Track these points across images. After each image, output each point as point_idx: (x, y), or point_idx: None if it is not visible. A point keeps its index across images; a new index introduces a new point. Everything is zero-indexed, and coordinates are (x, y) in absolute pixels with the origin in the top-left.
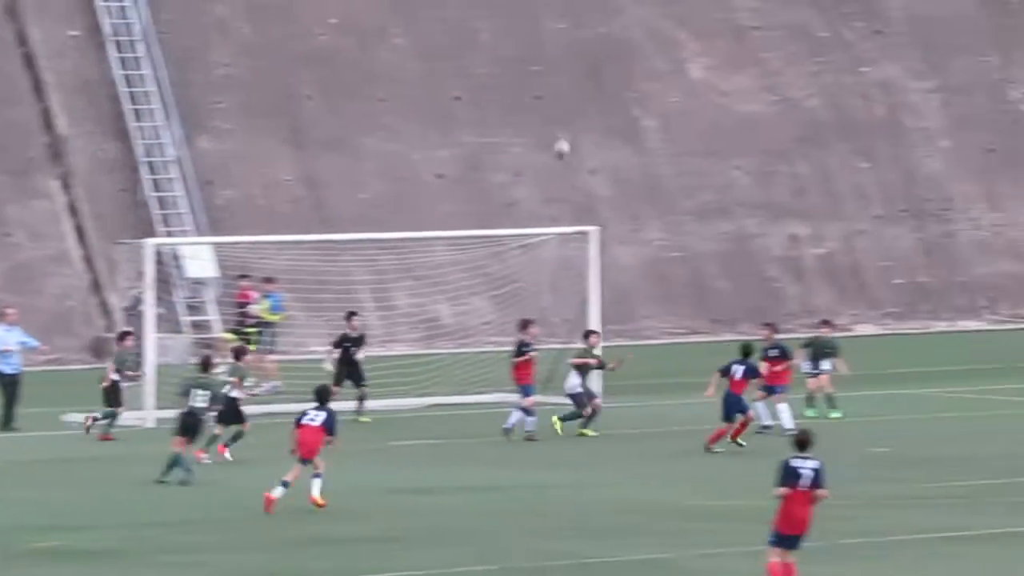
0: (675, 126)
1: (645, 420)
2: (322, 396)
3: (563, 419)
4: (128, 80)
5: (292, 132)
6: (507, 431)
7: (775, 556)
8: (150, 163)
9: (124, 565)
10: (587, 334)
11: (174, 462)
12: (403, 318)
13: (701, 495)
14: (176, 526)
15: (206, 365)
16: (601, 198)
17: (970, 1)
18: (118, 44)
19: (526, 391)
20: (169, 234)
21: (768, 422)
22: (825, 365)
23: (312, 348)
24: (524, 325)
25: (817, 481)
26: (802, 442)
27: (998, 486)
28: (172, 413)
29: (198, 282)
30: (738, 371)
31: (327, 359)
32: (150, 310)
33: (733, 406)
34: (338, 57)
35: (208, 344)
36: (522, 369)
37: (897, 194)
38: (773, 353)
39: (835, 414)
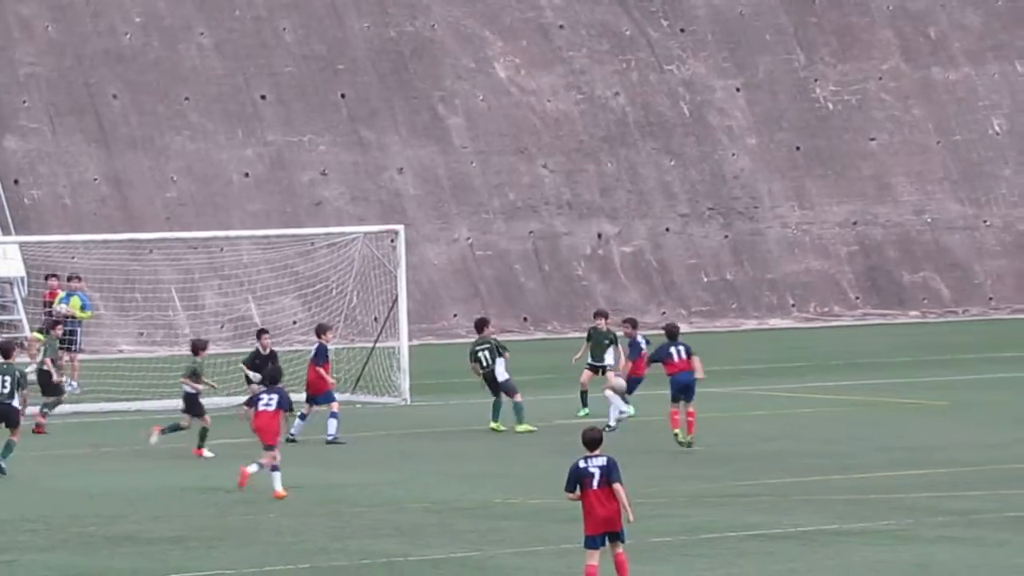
0: (482, 124)
1: (454, 419)
2: (273, 378)
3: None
4: None
5: (98, 131)
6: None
7: (592, 559)
8: None
9: None
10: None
11: None
12: (211, 317)
13: (510, 493)
14: None
15: (6, 352)
16: (409, 196)
17: None
18: None
19: (329, 397)
20: None
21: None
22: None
23: (121, 347)
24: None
25: (607, 476)
26: (590, 441)
27: (806, 483)
28: None
29: (4, 281)
30: (680, 352)
31: (247, 374)
32: None
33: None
34: (143, 56)
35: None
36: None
37: (704, 192)
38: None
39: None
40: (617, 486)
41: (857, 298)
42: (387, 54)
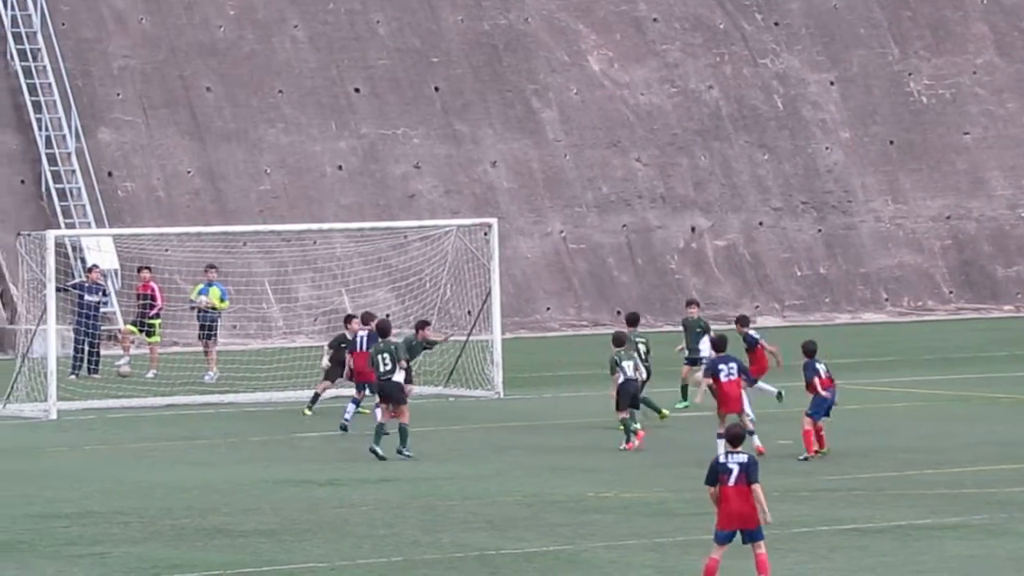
0: (575, 118)
1: (545, 412)
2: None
3: None
4: (27, 72)
5: (191, 124)
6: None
7: (716, 553)
8: (50, 155)
9: (27, 557)
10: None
11: None
12: (304, 310)
13: (602, 487)
14: (78, 517)
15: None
16: (502, 190)
17: None
18: (16, 36)
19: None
20: (70, 226)
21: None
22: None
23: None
24: (347, 320)
25: (745, 474)
26: (733, 437)
27: (899, 478)
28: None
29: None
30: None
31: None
32: (51, 302)
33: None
34: (237, 49)
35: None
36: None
37: (798, 186)
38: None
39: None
40: (756, 487)
41: (951, 292)
42: (480, 47)
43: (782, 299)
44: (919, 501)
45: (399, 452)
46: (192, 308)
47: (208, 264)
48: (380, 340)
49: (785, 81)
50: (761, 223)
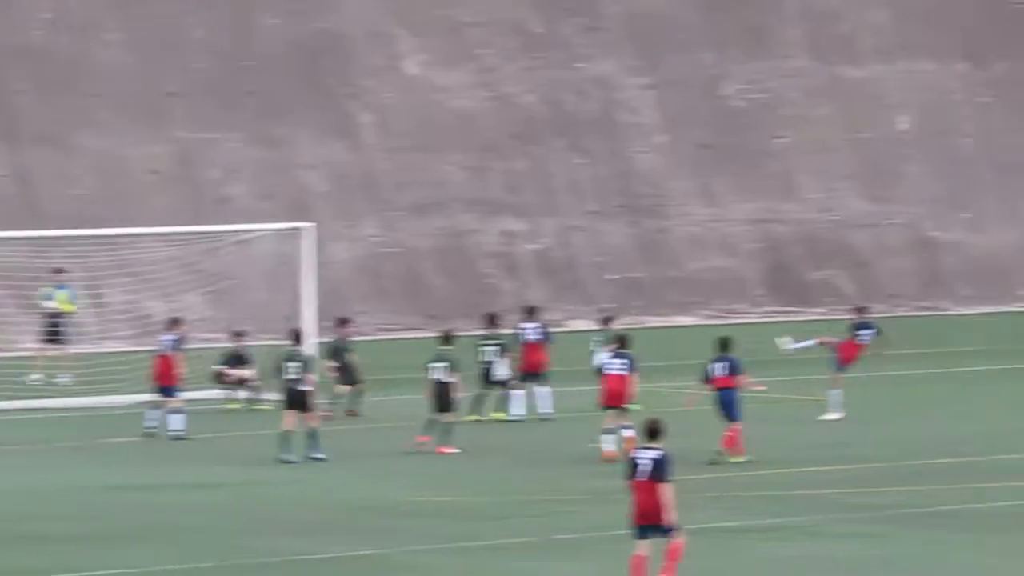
0: (391, 122)
1: (363, 416)
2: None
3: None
4: None
5: (4, 126)
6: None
7: (640, 550)
8: None
9: None
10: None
11: None
12: (117, 315)
13: (413, 491)
14: None
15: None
16: (316, 194)
17: None
18: None
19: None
20: None
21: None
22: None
23: (25, 345)
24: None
25: (655, 471)
26: (649, 431)
27: (714, 480)
28: None
29: None
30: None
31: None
32: None
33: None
34: (51, 52)
35: None
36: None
37: (612, 190)
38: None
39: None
40: (664, 486)
41: (762, 296)
42: (297, 51)
43: (594, 302)
44: (734, 503)
45: (311, 457)
46: (43, 312)
47: (55, 267)
48: (292, 347)
49: (601, 85)
50: (575, 227)
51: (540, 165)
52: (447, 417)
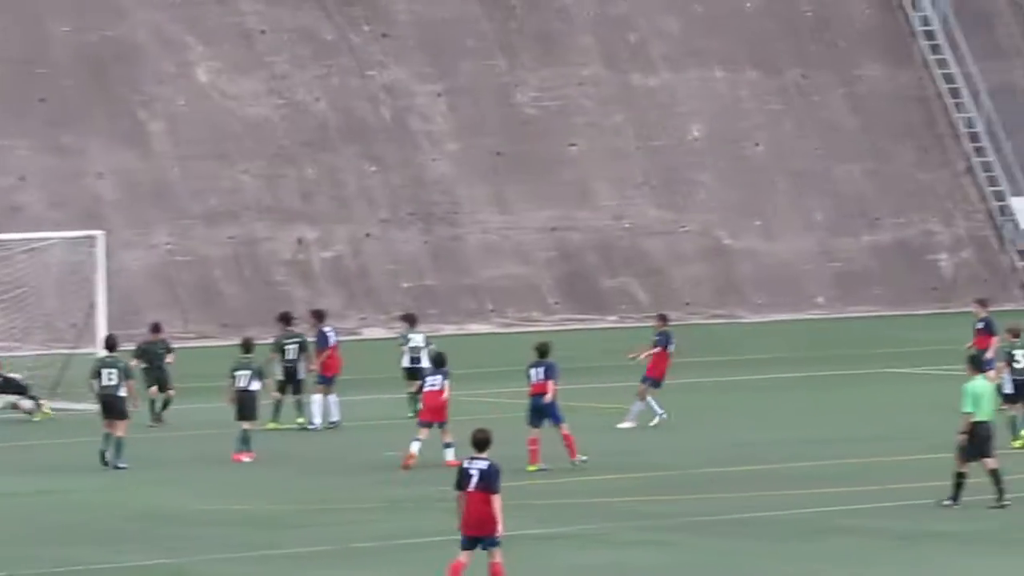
0: (182, 130)
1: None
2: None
3: None
4: None
5: None
6: None
7: (463, 557)
8: None
9: None
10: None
11: None
12: None
13: (211, 499)
14: None
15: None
16: (108, 202)
17: (475, 5)
18: None
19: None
20: None
21: None
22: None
23: None
24: None
25: (483, 481)
26: (478, 442)
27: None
28: None
29: None
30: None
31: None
32: None
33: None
34: None
35: None
36: None
37: (405, 197)
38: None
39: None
40: (495, 497)
41: (556, 303)
42: (87, 58)
43: (388, 310)
44: (527, 511)
45: (115, 466)
46: None
47: None
48: (107, 354)
49: (393, 92)
50: (368, 234)
51: (332, 173)
52: (249, 424)
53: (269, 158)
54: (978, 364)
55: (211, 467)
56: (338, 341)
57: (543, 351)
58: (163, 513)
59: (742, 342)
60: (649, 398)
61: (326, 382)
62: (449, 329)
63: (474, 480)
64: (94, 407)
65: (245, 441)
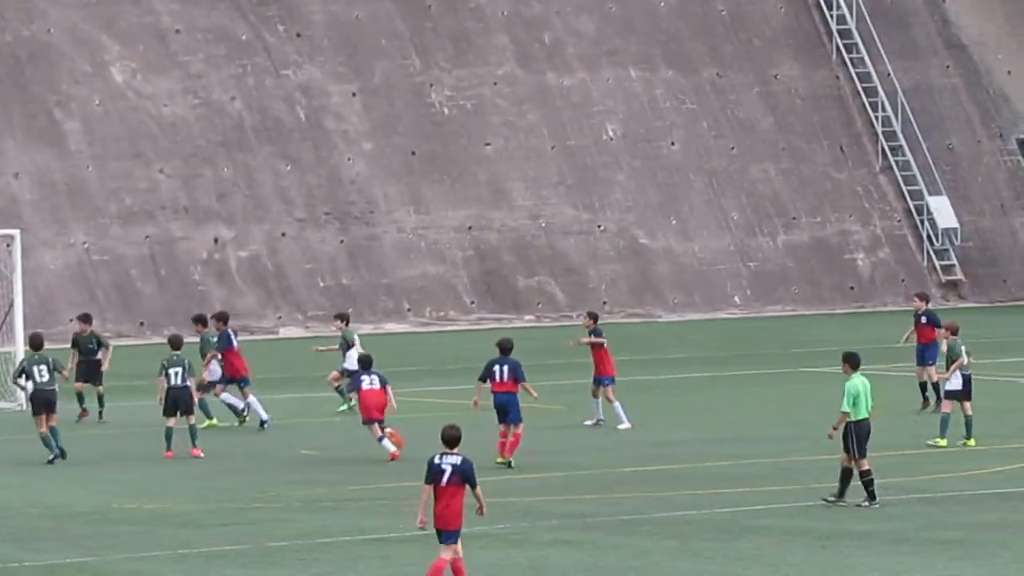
0: (98, 129)
1: (71, 422)
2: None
3: None
4: None
5: None
6: None
7: (444, 553)
8: None
9: None
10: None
11: None
12: None
13: (124, 498)
14: None
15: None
16: (24, 201)
17: (389, 4)
18: None
19: None
20: None
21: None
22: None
23: None
24: None
25: (460, 476)
26: (449, 438)
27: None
28: None
29: None
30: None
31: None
32: None
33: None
34: None
35: None
36: None
37: (321, 197)
38: None
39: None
40: (477, 490)
41: (473, 302)
42: (2, 57)
43: (305, 310)
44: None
45: (59, 451)
46: None
47: None
48: (34, 351)
49: (308, 92)
50: (284, 234)
51: (248, 172)
52: (192, 419)
53: (185, 158)
54: (855, 362)
55: (127, 465)
56: (240, 344)
57: (506, 348)
58: (78, 511)
59: (659, 341)
60: (598, 400)
61: (242, 383)
62: (366, 328)
63: (447, 475)
64: (12, 406)
65: (194, 436)
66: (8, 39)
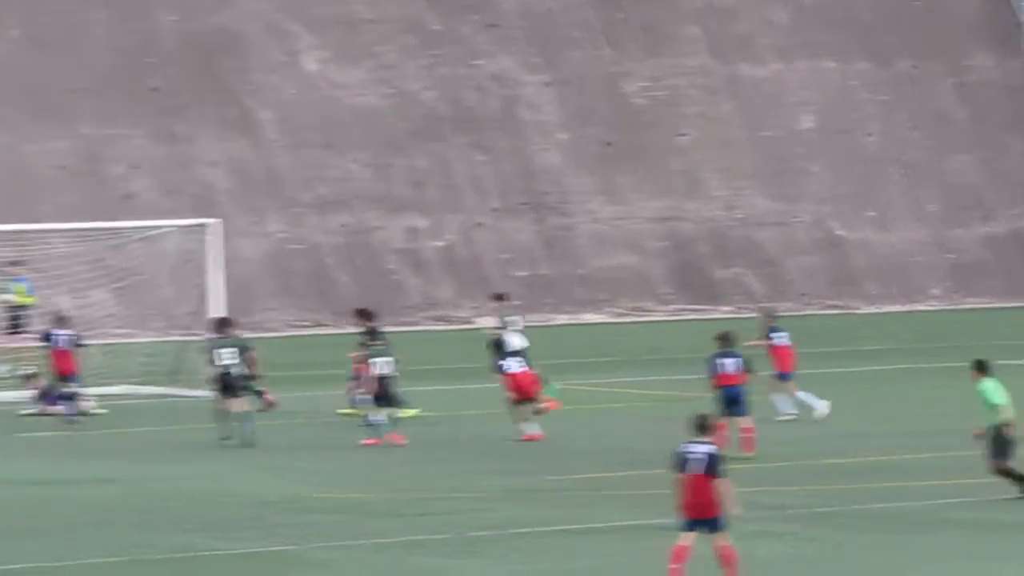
0: (291, 118)
1: (267, 413)
2: None
3: None
4: None
5: None
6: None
7: (684, 540)
8: None
9: None
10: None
11: None
12: (22, 310)
13: (322, 487)
14: None
15: None
16: (220, 190)
17: None
18: None
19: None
20: None
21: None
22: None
23: None
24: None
25: (708, 466)
26: (700, 426)
27: (619, 478)
28: None
29: None
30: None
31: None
32: None
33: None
34: None
35: None
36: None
37: (515, 187)
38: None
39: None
40: (722, 481)
41: (669, 294)
42: (196, 47)
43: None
44: (638, 501)
45: (250, 438)
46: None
47: (10, 261)
48: (220, 335)
49: (501, 82)
50: (480, 224)
51: (442, 162)
52: (394, 410)
53: (378, 147)
54: (985, 367)
55: (318, 455)
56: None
57: (730, 340)
58: (273, 500)
59: (857, 333)
60: (779, 394)
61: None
62: (563, 319)
63: (695, 463)
64: (209, 394)
65: (395, 424)
66: (201, 28)
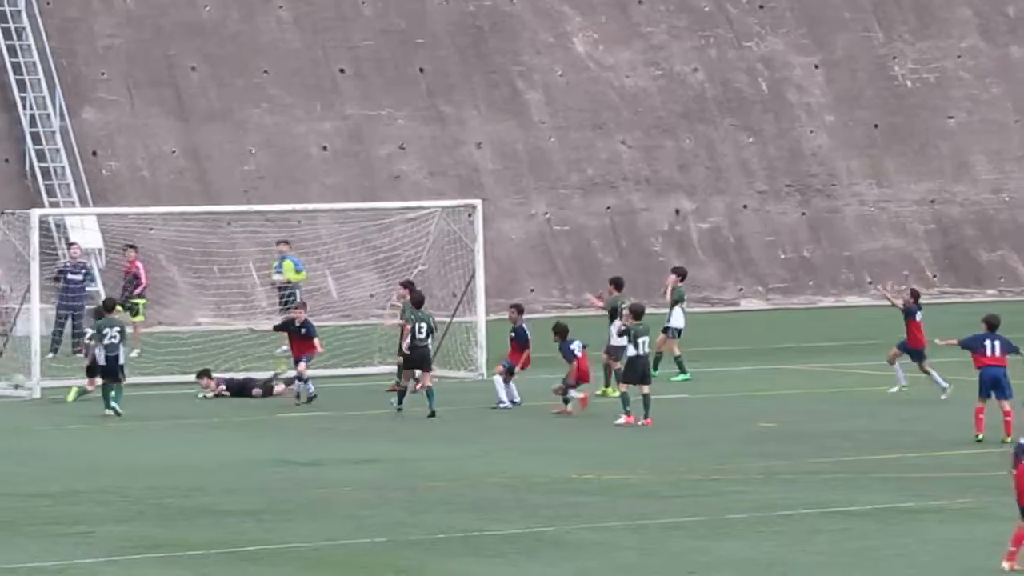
0: (560, 100)
1: (529, 393)
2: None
3: None
4: (11, 51)
5: (176, 104)
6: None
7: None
8: (34, 134)
9: (11, 536)
10: None
11: None
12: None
13: (585, 468)
14: (62, 496)
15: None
16: (486, 171)
17: None
18: (0, 15)
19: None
20: (54, 205)
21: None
22: None
23: (198, 320)
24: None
25: None
26: None
27: (882, 461)
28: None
29: (84, 253)
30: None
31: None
32: (35, 281)
33: None
34: (222, 29)
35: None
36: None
37: (782, 169)
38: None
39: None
40: None
41: (934, 276)
42: (465, 28)
43: (766, 282)
44: (902, 484)
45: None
46: (273, 285)
47: (279, 239)
48: (415, 310)
49: (770, 64)
50: (745, 206)
51: (709, 144)
52: (646, 389)
53: (646, 129)
54: None
55: (584, 436)
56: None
57: (996, 323)
58: (537, 481)
59: None
60: (897, 365)
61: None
62: (827, 301)
63: None
64: (473, 375)
65: (647, 406)
66: (471, 9)
